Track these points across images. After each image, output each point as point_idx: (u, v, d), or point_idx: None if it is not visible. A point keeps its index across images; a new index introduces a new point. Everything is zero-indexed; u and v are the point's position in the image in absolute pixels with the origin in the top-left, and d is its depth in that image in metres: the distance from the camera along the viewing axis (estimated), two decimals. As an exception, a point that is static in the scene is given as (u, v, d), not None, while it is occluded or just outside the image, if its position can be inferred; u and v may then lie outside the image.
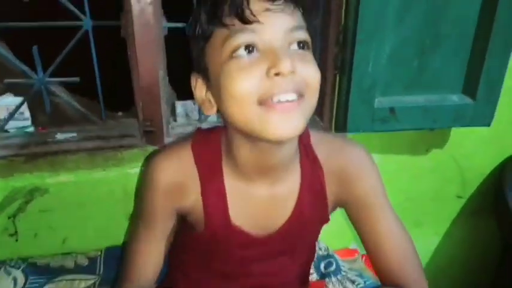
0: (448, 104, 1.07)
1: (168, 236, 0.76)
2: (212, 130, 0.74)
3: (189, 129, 1.05)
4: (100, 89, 1.01)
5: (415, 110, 1.07)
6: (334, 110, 1.11)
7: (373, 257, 0.76)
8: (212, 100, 0.64)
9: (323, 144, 0.73)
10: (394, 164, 1.24)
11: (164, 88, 0.98)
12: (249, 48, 0.57)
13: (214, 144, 0.71)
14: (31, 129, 1.02)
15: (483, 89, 1.05)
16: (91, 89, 1.04)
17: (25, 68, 0.97)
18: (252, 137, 0.61)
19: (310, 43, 0.61)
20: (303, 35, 0.59)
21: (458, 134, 1.24)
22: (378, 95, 1.05)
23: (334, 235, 1.09)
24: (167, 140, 1.01)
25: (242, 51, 0.57)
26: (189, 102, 1.08)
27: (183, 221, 0.75)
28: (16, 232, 0.98)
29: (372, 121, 1.07)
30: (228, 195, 0.70)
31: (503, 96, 1.15)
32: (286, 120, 0.57)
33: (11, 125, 0.99)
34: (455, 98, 1.08)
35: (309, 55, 0.60)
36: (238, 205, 0.70)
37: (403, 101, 1.06)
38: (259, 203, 0.70)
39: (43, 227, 1.00)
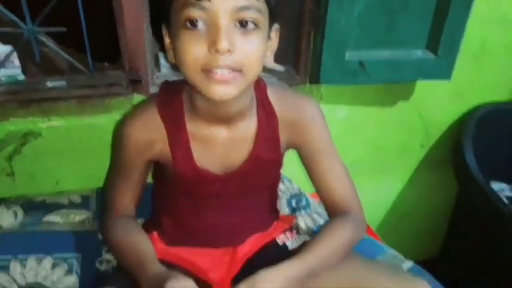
0: (413, 59, 1.17)
1: (142, 182, 0.86)
2: (176, 83, 0.83)
3: (173, 79, 1.13)
4: (87, 40, 1.06)
5: (383, 64, 1.16)
6: (309, 64, 1.20)
7: (322, 194, 0.88)
8: (172, 52, 0.73)
9: (279, 97, 0.83)
10: (364, 116, 1.35)
11: (148, 39, 1.05)
12: (198, 22, 0.65)
13: (176, 97, 0.80)
14: (21, 77, 1.08)
15: (444, 45, 1.15)
16: (78, 40, 1.09)
17: (14, 17, 1.01)
18: None
19: (260, 21, 0.67)
20: (250, 14, 0.65)
21: (423, 88, 1.35)
22: (348, 49, 1.13)
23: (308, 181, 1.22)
24: (152, 89, 1.08)
25: (192, 24, 0.65)
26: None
27: (156, 165, 0.85)
28: (13, 172, 1.07)
29: (343, 74, 1.16)
30: (191, 142, 0.79)
31: (465, 54, 1.26)
32: (223, 89, 0.67)
33: (2, 73, 1.04)
34: (419, 53, 1.17)
35: (253, 33, 0.66)
36: (201, 149, 0.80)
37: (371, 55, 1.15)
38: (219, 145, 0.80)
39: (38, 169, 1.08)
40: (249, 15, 0.65)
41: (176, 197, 0.87)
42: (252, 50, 0.67)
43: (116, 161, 0.86)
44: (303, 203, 1.13)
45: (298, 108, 0.83)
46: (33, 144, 1.04)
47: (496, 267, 1.32)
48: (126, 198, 0.86)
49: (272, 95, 0.83)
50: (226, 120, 0.78)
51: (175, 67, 0.73)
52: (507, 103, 1.49)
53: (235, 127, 0.80)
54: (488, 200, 1.31)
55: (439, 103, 1.41)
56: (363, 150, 1.42)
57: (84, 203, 1.06)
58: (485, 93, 1.45)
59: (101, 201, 1.06)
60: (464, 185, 1.46)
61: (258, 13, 0.66)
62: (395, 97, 1.36)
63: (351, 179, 0.88)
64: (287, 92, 0.88)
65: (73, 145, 1.07)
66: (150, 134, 0.80)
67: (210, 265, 0.86)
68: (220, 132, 0.80)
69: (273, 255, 0.85)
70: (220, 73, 0.66)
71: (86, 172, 1.11)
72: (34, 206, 1.02)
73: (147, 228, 0.88)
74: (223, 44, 0.63)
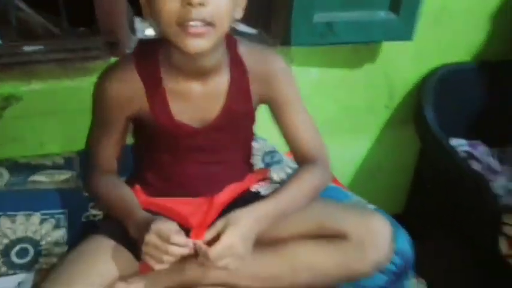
0: (377, 20, 1.25)
1: (123, 137, 0.91)
2: (152, 41, 0.87)
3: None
4: (62, 4, 1.08)
5: (349, 24, 1.23)
6: (280, 27, 1.25)
7: (291, 144, 0.95)
8: (147, 9, 0.77)
9: (248, 52, 0.89)
10: (331, 77, 1.42)
11: (123, 2, 1.08)
12: None
13: (152, 53, 0.85)
14: (-1, 42, 1.10)
15: (405, 6, 1.23)
16: (54, 5, 1.11)
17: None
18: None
19: None
20: None
21: (388, 50, 1.43)
22: (316, 11, 1.19)
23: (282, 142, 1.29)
24: (128, 52, 1.12)
25: None
26: (147, 18, 1.18)
27: (135, 121, 0.90)
28: (-5, 135, 1.10)
29: (312, 35, 1.23)
30: (168, 96, 0.85)
31: (426, 16, 1.34)
32: (197, 42, 0.73)
33: (-21, 38, 1.06)
34: (383, 14, 1.25)
35: None
36: (178, 103, 0.86)
37: (338, 16, 1.22)
38: (195, 99, 0.86)
39: (20, 132, 1.12)
40: None
41: (157, 152, 0.92)
42: (222, 3, 0.72)
43: (97, 118, 0.91)
44: (276, 158, 1.21)
45: (267, 61, 0.90)
46: (15, 107, 1.07)
47: (455, 219, 1.44)
48: (109, 153, 0.91)
49: (242, 50, 0.88)
50: (201, 74, 0.84)
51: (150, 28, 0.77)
52: (466, 64, 1.59)
53: (209, 82, 0.85)
54: (447, 155, 1.43)
55: (402, 64, 1.50)
56: (333, 110, 1.50)
57: (67, 164, 1.10)
58: (445, 55, 1.54)
59: (84, 162, 1.11)
60: (426, 142, 1.56)
61: None
62: (362, 59, 1.43)
63: (318, 130, 0.95)
64: (256, 48, 0.93)
65: (54, 108, 1.11)
66: (128, 89, 0.85)
67: (189, 212, 0.93)
68: (196, 87, 0.85)
69: (247, 201, 0.91)
70: (194, 26, 0.71)
71: (68, 135, 1.15)
72: (19, 167, 1.06)
73: (130, 183, 0.93)
74: None
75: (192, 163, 0.93)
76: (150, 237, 0.74)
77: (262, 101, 0.93)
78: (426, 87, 1.52)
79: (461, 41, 1.56)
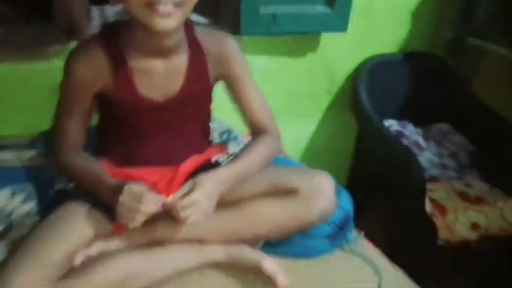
0: (315, 13, 1.41)
1: (88, 115, 0.98)
2: (115, 23, 0.96)
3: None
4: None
5: (291, 16, 1.39)
6: (229, 17, 1.38)
7: (245, 116, 1.07)
8: None
9: (205, 35, 1.00)
10: (277, 65, 1.57)
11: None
12: None
13: (116, 35, 0.93)
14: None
15: (339, 1, 1.40)
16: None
17: None
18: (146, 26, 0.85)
19: None
20: None
21: (327, 41, 1.60)
22: (262, 3, 1.34)
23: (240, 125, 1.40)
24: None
25: None
26: (105, 7, 1.25)
27: (100, 99, 0.97)
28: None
29: (259, 26, 1.36)
30: (132, 73, 0.93)
31: (357, 11, 1.53)
32: (165, 21, 0.81)
33: None
34: (320, 8, 1.42)
35: None
36: (141, 80, 0.94)
37: (282, 9, 1.37)
38: (157, 76, 0.95)
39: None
40: None
41: (121, 128, 1.00)
42: None
43: (64, 96, 0.96)
44: (232, 135, 1.33)
45: (222, 43, 1.02)
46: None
47: (389, 188, 1.63)
48: (75, 132, 0.97)
49: (199, 33, 1.00)
50: (163, 53, 0.93)
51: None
52: (394, 55, 1.82)
53: (170, 60, 0.95)
54: (381, 134, 1.62)
55: (340, 54, 1.68)
56: (279, 96, 1.64)
57: (31, 144, 1.15)
58: (376, 46, 1.76)
59: (48, 141, 1.15)
60: (362, 124, 1.75)
61: None
62: (304, 49, 1.59)
63: (266, 101, 1.08)
64: (211, 31, 1.05)
65: (15, 91, 1.15)
66: (94, 67, 0.92)
67: (156, 180, 1.01)
68: (158, 64, 0.94)
69: (208, 170, 1.01)
70: (163, 7, 0.80)
71: (29, 116, 1.19)
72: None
73: (97, 155, 1.00)
74: None
75: (154, 138, 1.01)
76: (124, 198, 0.83)
77: (219, 78, 1.04)
78: (360, 75, 1.71)
79: (389, 35, 1.78)
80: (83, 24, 1.17)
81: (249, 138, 1.13)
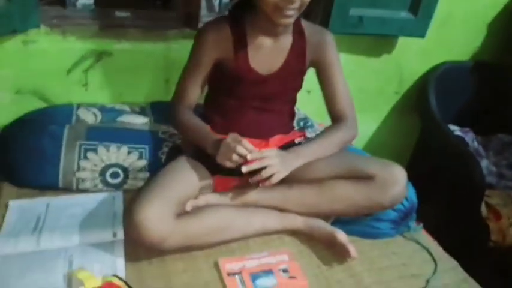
0: (398, 18, 1.52)
1: (205, 80, 1.17)
2: (240, 9, 1.13)
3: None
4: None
5: (376, 20, 1.50)
6: (319, 17, 1.51)
7: (329, 100, 1.23)
8: None
9: (308, 25, 1.19)
10: (354, 63, 1.68)
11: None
12: None
13: (241, 17, 1.13)
14: (92, 7, 1.32)
15: (422, 9, 1.50)
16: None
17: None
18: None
19: None
20: None
21: (403, 44, 1.70)
22: (352, 6, 1.46)
23: (313, 115, 1.55)
24: (200, 24, 1.36)
25: None
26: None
27: (216, 69, 1.15)
28: (86, 83, 1.33)
29: (346, 26, 1.49)
30: (248, 48, 1.12)
31: (436, 19, 1.61)
32: (287, 20, 1.03)
33: (80, 2, 1.29)
34: (403, 14, 1.52)
35: None
36: (254, 54, 1.13)
37: (368, 12, 1.48)
38: (266, 51, 1.14)
39: (106, 82, 1.35)
40: None
41: (226, 97, 1.18)
42: None
43: (192, 60, 1.16)
44: (309, 123, 1.48)
45: (321, 34, 1.20)
46: (105, 61, 1.31)
47: (447, 191, 1.70)
48: (193, 91, 1.17)
49: (304, 23, 1.18)
50: (274, 34, 1.12)
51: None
52: (465, 62, 1.88)
53: (278, 39, 1.14)
54: (445, 137, 1.70)
55: (413, 58, 1.77)
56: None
57: (142, 112, 1.34)
58: (449, 53, 1.83)
59: (155, 112, 1.34)
60: (427, 125, 1.84)
61: None
62: (380, 50, 1.70)
63: (351, 93, 1.24)
64: (314, 24, 1.24)
65: (135, 65, 1.34)
66: (220, 39, 1.11)
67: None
68: (268, 42, 1.14)
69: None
70: (289, 12, 1.00)
71: (142, 89, 1.39)
72: (107, 110, 1.30)
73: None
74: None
75: (251, 109, 1.19)
76: (227, 139, 1.03)
77: (313, 63, 1.21)
78: (431, 79, 1.80)
79: (462, 43, 1.84)
80: (199, 13, 1.34)
81: (323, 126, 1.27)
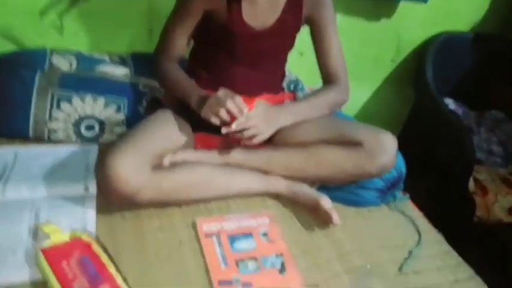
0: (399, -20, 1.43)
1: (193, 30, 1.09)
2: None
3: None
4: None
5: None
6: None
7: (321, 62, 1.16)
8: None
9: None
10: (350, 26, 1.60)
11: None
12: None
13: None
14: None
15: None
16: None
17: None
18: None
19: None
20: None
21: (403, 10, 1.61)
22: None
23: (305, 78, 1.48)
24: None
25: None
26: None
27: (205, 22, 1.07)
28: (62, 27, 1.23)
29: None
30: (242, 0, 1.03)
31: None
32: None
33: None
34: (404, -23, 1.43)
35: None
36: (248, 8, 1.05)
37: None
38: (260, 5, 1.06)
39: (83, 29, 1.25)
40: None
41: (215, 51, 1.10)
42: None
43: (180, 7, 1.07)
44: (300, 86, 1.41)
45: None
46: (82, 5, 1.21)
47: (437, 161, 1.67)
48: (179, 42, 1.09)
49: None
50: None
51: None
52: (465, 33, 1.81)
53: None
54: (440, 109, 1.65)
55: (412, 25, 1.69)
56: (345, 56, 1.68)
57: (122, 62, 1.26)
58: (449, 23, 1.75)
59: (136, 63, 1.26)
60: (421, 96, 1.78)
61: None
62: (379, 14, 1.61)
63: (344, 55, 1.17)
64: None
65: (116, 12, 1.24)
66: None
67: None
68: None
69: None
70: None
71: (122, 38, 1.30)
72: (84, 58, 1.21)
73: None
74: None
75: (241, 66, 1.11)
76: (219, 92, 0.97)
77: (308, 20, 1.13)
78: (429, 49, 1.72)
79: (464, 13, 1.76)
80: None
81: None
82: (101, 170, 0.88)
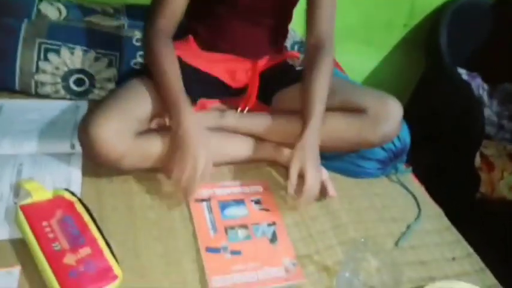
0: None
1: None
2: None
3: None
4: None
5: None
6: None
7: (310, 20, 1.04)
8: None
9: None
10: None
11: None
12: None
13: None
14: None
15: None
16: None
17: None
18: None
19: None
20: None
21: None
22: None
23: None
24: None
25: None
26: None
27: None
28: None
29: None
30: None
31: None
32: None
33: None
34: None
35: None
36: None
37: None
38: None
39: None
40: None
41: (216, 5, 1.01)
42: None
43: None
44: (303, 48, 1.33)
45: None
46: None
47: (445, 131, 1.61)
48: (177, 6, 0.95)
49: None
50: None
51: None
52: (483, 0, 1.69)
53: None
54: (452, 79, 1.57)
55: (428, -14, 1.58)
56: (353, 19, 1.58)
57: (116, 14, 1.18)
58: (468, -14, 1.63)
59: (130, 16, 1.18)
60: (433, 64, 1.70)
61: None
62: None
63: (335, 21, 1.06)
64: None
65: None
66: None
67: (234, 69, 1.06)
68: None
69: (283, 71, 1.07)
70: None
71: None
72: (74, 7, 1.13)
73: (184, 32, 1.03)
74: None
75: (243, 21, 1.03)
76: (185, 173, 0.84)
77: None
78: (444, 14, 1.62)
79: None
80: None
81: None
82: (83, 135, 0.83)
